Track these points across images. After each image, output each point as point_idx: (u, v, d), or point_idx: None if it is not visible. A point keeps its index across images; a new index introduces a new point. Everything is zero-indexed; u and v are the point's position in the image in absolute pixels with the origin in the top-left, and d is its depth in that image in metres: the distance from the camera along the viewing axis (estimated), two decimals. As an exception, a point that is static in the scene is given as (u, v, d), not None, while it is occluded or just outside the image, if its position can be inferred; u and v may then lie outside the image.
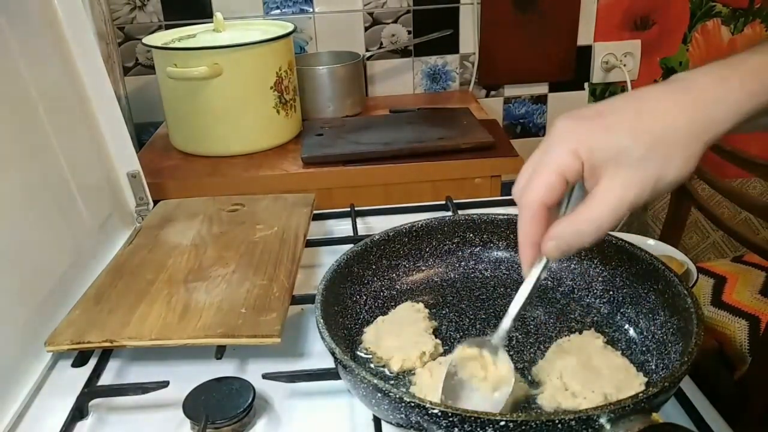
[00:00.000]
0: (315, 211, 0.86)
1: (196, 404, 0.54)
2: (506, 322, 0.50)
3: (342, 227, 0.89)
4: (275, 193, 0.90)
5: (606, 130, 0.42)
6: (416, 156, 1.17)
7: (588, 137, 0.42)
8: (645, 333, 0.59)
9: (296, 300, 0.67)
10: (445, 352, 0.58)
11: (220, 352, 0.61)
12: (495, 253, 0.71)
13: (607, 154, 0.42)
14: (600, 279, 0.66)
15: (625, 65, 1.60)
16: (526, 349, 0.59)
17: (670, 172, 0.41)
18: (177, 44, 1.21)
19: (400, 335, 0.58)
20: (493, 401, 0.49)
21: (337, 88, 1.39)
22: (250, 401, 0.54)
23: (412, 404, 0.44)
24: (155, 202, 0.89)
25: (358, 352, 0.59)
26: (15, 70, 0.67)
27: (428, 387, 0.52)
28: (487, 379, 0.50)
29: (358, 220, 0.86)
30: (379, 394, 0.46)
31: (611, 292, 0.64)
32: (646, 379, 0.52)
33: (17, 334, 0.60)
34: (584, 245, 0.44)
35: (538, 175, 0.44)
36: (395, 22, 1.53)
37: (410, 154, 1.17)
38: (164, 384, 0.56)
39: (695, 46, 1.63)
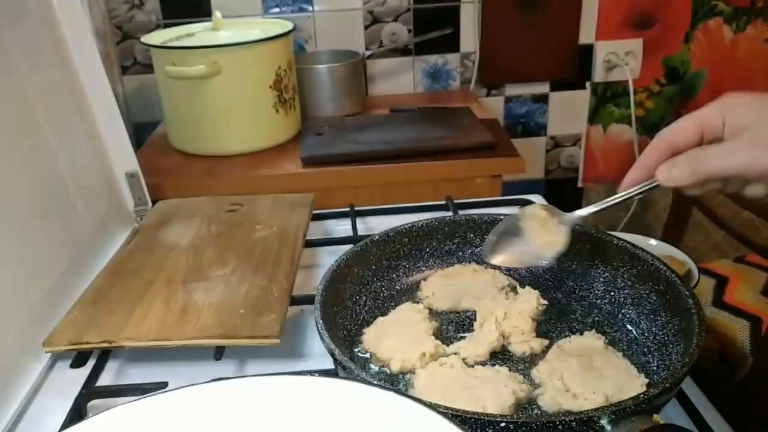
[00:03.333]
0: (314, 211, 0.86)
1: (195, 405, 0.53)
2: (585, 210, 0.56)
3: (342, 227, 0.88)
4: (275, 192, 0.89)
5: (760, 103, 0.47)
6: (416, 156, 1.16)
7: (740, 105, 0.47)
8: (646, 334, 0.59)
9: (296, 300, 0.66)
10: (446, 353, 0.58)
11: (219, 352, 0.60)
12: (535, 203, 0.71)
13: (751, 120, 0.45)
14: (601, 279, 0.65)
15: (626, 64, 1.60)
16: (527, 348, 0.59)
17: None
18: (176, 43, 1.21)
19: (400, 336, 0.58)
20: (535, 255, 0.54)
21: (337, 87, 1.38)
22: (248, 402, 0.54)
23: (412, 406, 0.44)
24: (154, 202, 0.89)
25: (358, 353, 0.59)
26: (13, 70, 0.67)
27: (428, 388, 0.52)
28: (541, 237, 0.54)
29: (358, 220, 0.85)
30: (379, 396, 0.46)
31: (612, 293, 0.64)
32: (647, 380, 0.52)
33: (15, 335, 0.60)
34: (690, 182, 0.48)
35: (681, 119, 0.49)
36: (395, 20, 1.53)
37: (410, 154, 1.17)
38: (163, 385, 0.56)
39: (697, 45, 1.62)
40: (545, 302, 0.61)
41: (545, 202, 0.90)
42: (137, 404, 0.37)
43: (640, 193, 0.52)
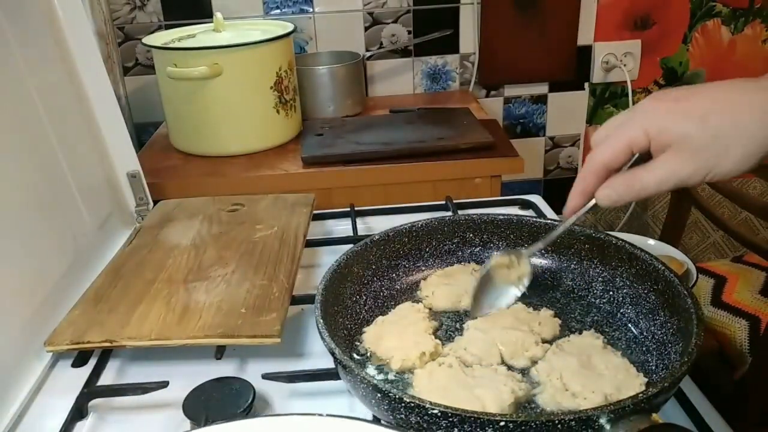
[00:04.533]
0: (315, 211, 0.86)
1: (196, 404, 0.54)
2: (539, 245, 0.59)
3: (342, 227, 0.89)
4: (275, 193, 0.90)
5: (679, 115, 0.47)
6: (416, 156, 1.17)
7: (662, 119, 0.48)
8: (645, 333, 0.59)
9: (296, 300, 0.67)
10: (445, 353, 0.58)
11: (219, 352, 0.61)
12: (495, 253, 0.71)
13: (673, 137, 0.47)
14: (600, 279, 0.66)
15: (625, 65, 1.60)
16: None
17: (726, 165, 0.46)
18: (177, 44, 1.21)
19: (400, 335, 0.58)
20: (511, 293, 0.58)
21: (337, 88, 1.39)
22: (250, 401, 0.54)
23: (412, 404, 0.44)
24: (155, 202, 0.89)
25: (358, 353, 0.59)
26: (15, 70, 0.67)
27: (428, 387, 0.52)
28: (509, 276, 0.59)
29: (358, 220, 0.86)
30: (379, 395, 0.46)
31: (611, 292, 0.64)
32: (646, 380, 0.52)
33: (17, 334, 0.60)
34: (628, 200, 0.51)
35: (610, 141, 0.50)
36: (395, 21, 1.53)
37: (410, 154, 1.17)
38: (164, 384, 0.56)
39: (695, 46, 1.63)
40: (559, 323, 0.62)
41: (544, 202, 0.91)
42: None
43: (583, 214, 0.55)
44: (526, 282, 0.59)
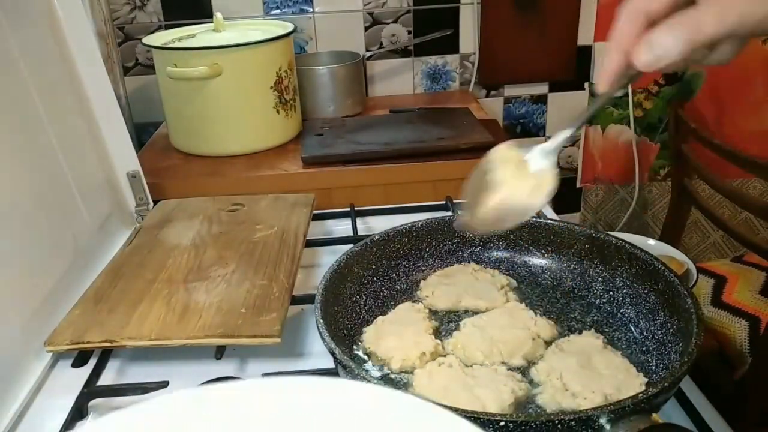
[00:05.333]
0: (315, 211, 0.86)
1: (196, 404, 0.54)
2: (564, 133, 0.46)
3: (342, 227, 0.89)
4: (275, 193, 0.90)
5: None
6: (416, 156, 1.17)
7: None
8: (645, 333, 0.59)
9: (296, 300, 0.67)
10: (445, 354, 0.58)
11: (219, 352, 0.61)
12: (495, 253, 0.71)
13: None
14: (600, 279, 0.66)
15: (625, 65, 1.60)
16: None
17: None
18: (177, 44, 1.21)
19: (400, 335, 0.58)
20: (521, 208, 0.45)
21: (337, 88, 1.39)
22: (249, 401, 0.54)
23: (412, 404, 0.44)
24: (155, 202, 0.89)
25: (358, 352, 0.59)
26: (15, 70, 0.67)
27: (428, 387, 0.52)
28: (522, 182, 0.44)
29: (358, 220, 0.86)
30: (379, 395, 0.46)
31: (611, 292, 0.64)
32: (646, 380, 0.52)
33: (17, 334, 0.60)
34: (679, 55, 0.39)
35: None
36: (395, 22, 1.53)
37: (410, 154, 1.17)
38: (164, 384, 0.56)
39: (695, 46, 1.62)
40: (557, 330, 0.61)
41: (546, 204, 0.91)
42: (141, 406, 0.37)
43: (624, 82, 0.43)
44: (545, 196, 0.44)
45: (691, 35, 0.38)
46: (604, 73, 0.44)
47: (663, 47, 0.39)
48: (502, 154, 0.46)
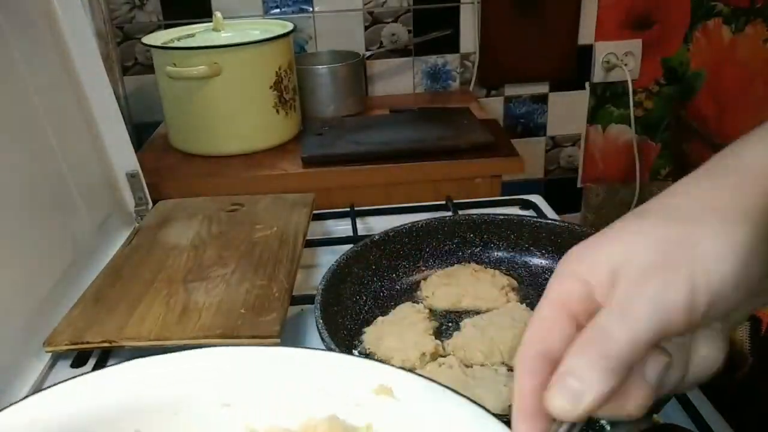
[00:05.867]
0: (315, 211, 0.86)
1: (195, 405, 0.53)
2: None
3: (342, 227, 0.89)
4: (275, 193, 0.89)
5: (612, 240, 0.31)
6: (416, 156, 1.17)
7: (592, 253, 0.31)
8: (646, 333, 0.59)
9: (296, 300, 0.67)
10: (445, 354, 0.58)
11: (219, 352, 0.60)
12: (495, 253, 0.71)
13: (617, 259, 0.29)
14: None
15: (626, 65, 1.60)
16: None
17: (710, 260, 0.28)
18: (176, 44, 1.21)
19: (400, 336, 0.58)
20: None
21: (337, 87, 1.39)
22: (249, 402, 0.54)
23: (412, 405, 0.44)
24: (154, 202, 0.89)
25: (358, 353, 0.59)
26: (14, 70, 0.67)
27: (428, 388, 0.52)
28: None
29: (358, 220, 0.86)
30: (379, 395, 0.46)
31: (612, 293, 0.64)
32: (647, 380, 0.52)
33: (16, 334, 0.60)
34: (605, 382, 0.27)
35: (538, 312, 0.31)
36: (395, 21, 1.53)
37: (410, 154, 1.17)
38: (163, 384, 0.56)
39: (696, 46, 1.62)
40: None
41: (544, 202, 0.91)
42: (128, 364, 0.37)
43: None
44: None
45: (606, 363, 0.27)
46: None
47: (565, 397, 0.27)
48: None
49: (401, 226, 0.69)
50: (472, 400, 0.34)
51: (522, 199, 0.91)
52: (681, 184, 0.32)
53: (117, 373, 0.37)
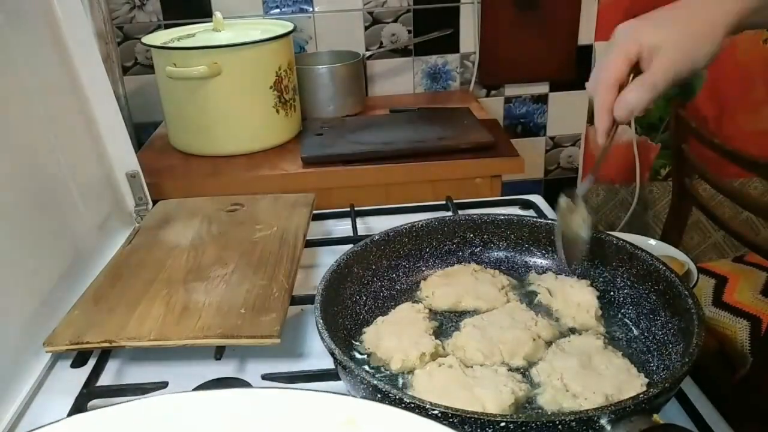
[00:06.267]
0: (315, 211, 0.86)
1: (195, 405, 0.53)
2: (590, 178, 0.66)
3: (342, 227, 0.89)
4: (275, 193, 0.89)
5: (655, 26, 0.58)
6: (416, 156, 1.17)
7: (648, 31, 0.57)
8: (646, 333, 0.59)
9: (296, 300, 0.67)
10: (445, 354, 0.58)
11: (219, 352, 0.60)
12: (495, 253, 0.71)
13: (659, 42, 0.56)
14: (601, 279, 0.65)
15: (625, 65, 1.60)
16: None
17: (702, 52, 0.56)
18: (176, 44, 1.21)
19: (400, 336, 0.58)
20: (583, 240, 0.63)
21: (337, 87, 1.39)
22: (249, 402, 0.54)
23: (412, 405, 0.44)
24: (154, 202, 0.89)
25: (358, 353, 0.59)
26: (14, 70, 0.67)
27: (428, 388, 0.52)
28: (576, 219, 0.63)
29: (358, 220, 0.85)
30: (379, 395, 0.46)
31: (612, 293, 0.64)
32: (647, 380, 0.52)
33: (16, 334, 0.60)
34: (645, 104, 0.57)
35: (609, 60, 0.58)
36: (395, 21, 1.53)
37: (410, 154, 1.17)
38: (163, 384, 0.56)
39: (696, 46, 1.62)
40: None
41: (545, 202, 0.91)
42: (141, 403, 0.37)
43: (615, 134, 0.61)
44: (587, 226, 0.62)
45: (648, 93, 0.57)
46: (600, 130, 0.60)
47: (632, 105, 0.57)
48: (560, 204, 0.64)
49: (401, 226, 0.69)
50: (438, 420, 0.36)
51: (522, 199, 0.91)
52: None
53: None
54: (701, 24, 0.57)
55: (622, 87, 0.58)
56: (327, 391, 0.39)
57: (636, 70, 0.58)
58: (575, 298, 0.62)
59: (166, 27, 1.42)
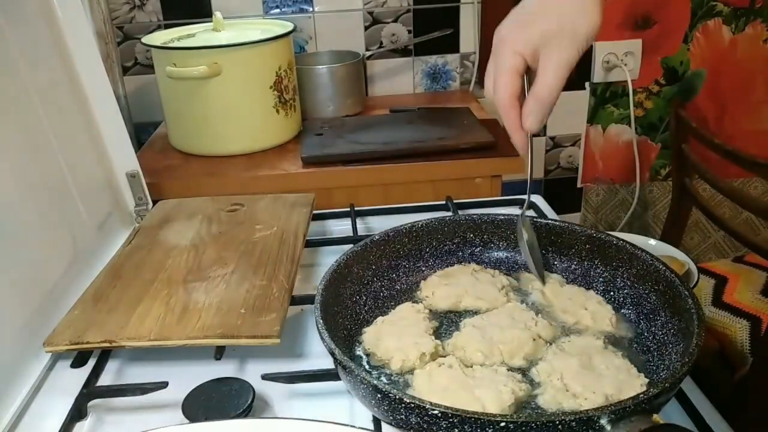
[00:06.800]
0: (315, 211, 0.86)
1: (195, 405, 0.54)
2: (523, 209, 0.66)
3: (342, 227, 0.89)
4: (275, 193, 0.89)
5: (528, 26, 0.57)
6: (416, 156, 1.17)
7: (520, 36, 0.57)
8: (646, 333, 0.59)
9: (296, 300, 0.67)
10: (445, 354, 0.58)
11: (219, 352, 0.60)
12: (495, 253, 0.71)
13: (535, 41, 0.56)
14: (601, 279, 0.65)
15: (626, 65, 1.60)
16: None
17: (583, 28, 0.56)
18: (176, 44, 1.21)
19: (400, 336, 0.58)
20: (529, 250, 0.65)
21: (337, 87, 1.39)
22: (249, 402, 0.54)
23: (412, 405, 0.44)
24: (154, 202, 0.89)
25: (358, 353, 0.59)
26: (14, 70, 0.67)
27: (428, 388, 0.52)
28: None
29: (358, 220, 0.86)
30: (379, 395, 0.46)
31: (612, 293, 0.64)
32: (647, 380, 0.52)
33: (16, 335, 0.60)
34: (547, 110, 0.58)
35: (499, 78, 0.58)
36: (395, 21, 1.53)
37: (410, 154, 1.17)
38: (163, 385, 0.56)
39: (696, 46, 1.62)
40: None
41: (544, 202, 0.91)
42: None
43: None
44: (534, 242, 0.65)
45: (546, 103, 0.57)
46: (520, 146, 0.61)
47: (537, 120, 0.58)
48: (521, 224, 0.66)
49: (401, 226, 0.69)
50: (438, 420, 0.35)
51: (522, 199, 0.91)
52: None
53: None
54: (573, 4, 0.56)
55: (521, 97, 0.59)
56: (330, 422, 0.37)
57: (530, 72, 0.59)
58: (589, 306, 0.62)
59: (166, 27, 1.42)
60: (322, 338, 0.52)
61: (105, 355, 0.64)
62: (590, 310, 0.61)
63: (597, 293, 0.65)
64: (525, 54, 0.57)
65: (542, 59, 0.56)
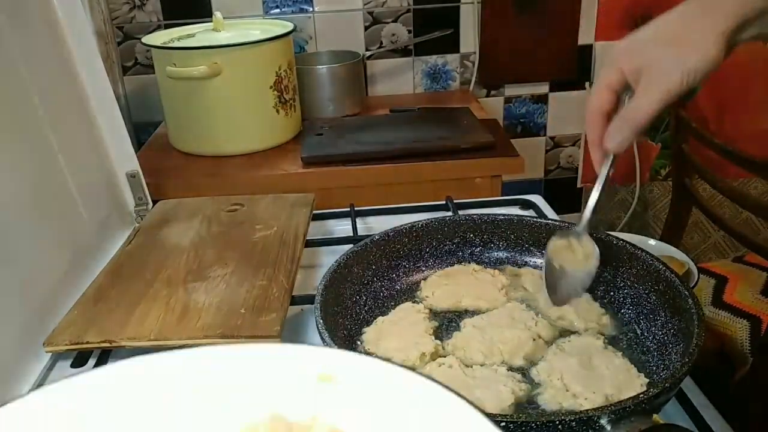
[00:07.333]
0: (315, 211, 0.86)
1: (195, 405, 0.53)
2: (587, 213, 0.61)
3: (342, 227, 0.88)
4: (275, 193, 0.89)
5: (639, 44, 0.54)
6: (416, 156, 1.17)
7: (627, 55, 0.54)
8: (646, 333, 0.59)
9: (296, 300, 0.67)
10: (445, 354, 0.58)
11: (219, 352, 0.60)
12: (495, 253, 0.71)
13: (640, 62, 0.53)
14: (601, 279, 0.65)
15: (625, 65, 1.60)
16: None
17: (694, 60, 0.51)
18: (176, 44, 1.21)
19: (400, 336, 0.58)
20: (586, 270, 0.59)
21: (337, 87, 1.39)
22: (249, 402, 0.54)
23: (412, 405, 0.44)
24: (154, 202, 0.89)
25: (358, 353, 0.59)
26: (14, 70, 0.67)
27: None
28: (577, 258, 0.60)
29: (358, 220, 0.85)
30: (379, 395, 0.46)
31: (612, 293, 0.64)
32: (647, 380, 0.52)
33: (16, 335, 0.60)
34: (633, 132, 0.54)
35: (594, 90, 0.57)
36: (395, 21, 1.53)
37: (410, 154, 1.17)
38: (163, 385, 0.56)
39: (696, 46, 1.62)
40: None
41: (544, 202, 0.91)
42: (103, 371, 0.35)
43: (610, 168, 0.58)
44: (595, 261, 0.59)
45: (632, 125, 0.54)
46: (595, 163, 0.58)
47: (617, 141, 0.55)
48: (555, 244, 0.61)
49: (401, 226, 0.69)
50: (421, 374, 0.33)
51: (522, 199, 0.91)
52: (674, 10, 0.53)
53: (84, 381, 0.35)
54: (692, 34, 0.52)
55: (612, 115, 0.55)
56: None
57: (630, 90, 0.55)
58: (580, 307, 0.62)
59: (166, 27, 1.42)
60: (322, 338, 0.52)
61: (105, 355, 0.64)
62: (577, 308, 0.61)
63: (597, 293, 0.65)
64: (626, 71, 0.54)
65: (642, 81, 0.53)
